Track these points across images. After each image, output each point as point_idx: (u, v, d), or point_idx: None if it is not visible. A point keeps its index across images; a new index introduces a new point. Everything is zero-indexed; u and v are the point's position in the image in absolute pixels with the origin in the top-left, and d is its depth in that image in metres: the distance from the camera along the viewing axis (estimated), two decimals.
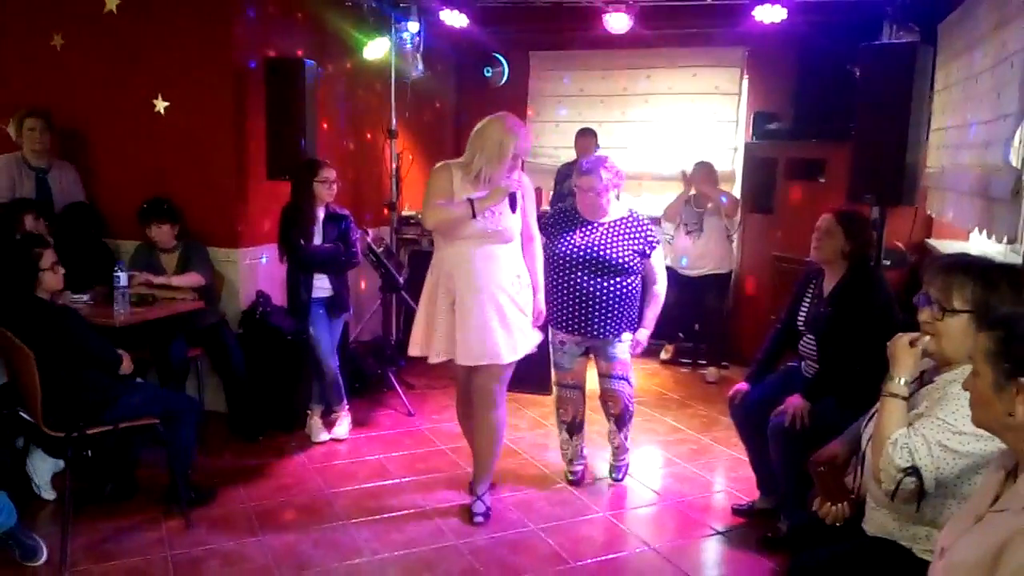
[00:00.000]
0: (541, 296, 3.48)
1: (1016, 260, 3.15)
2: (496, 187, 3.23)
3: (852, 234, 3.18)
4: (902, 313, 3.13)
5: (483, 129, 3.25)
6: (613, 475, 4.00)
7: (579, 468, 3.98)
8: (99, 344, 3.33)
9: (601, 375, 3.80)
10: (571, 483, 3.94)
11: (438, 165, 3.38)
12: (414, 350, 3.44)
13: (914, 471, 1.90)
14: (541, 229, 3.58)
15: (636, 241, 3.60)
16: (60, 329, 3.19)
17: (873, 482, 2.02)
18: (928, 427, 1.93)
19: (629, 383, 3.79)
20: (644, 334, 3.72)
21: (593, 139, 6.13)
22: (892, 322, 3.15)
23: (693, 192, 5.69)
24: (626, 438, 3.96)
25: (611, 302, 3.58)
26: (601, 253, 3.55)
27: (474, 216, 3.19)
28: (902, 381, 2.03)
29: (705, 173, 5.66)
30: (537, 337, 3.45)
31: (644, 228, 3.64)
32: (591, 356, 3.82)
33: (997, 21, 3.36)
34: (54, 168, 4.58)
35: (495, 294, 3.27)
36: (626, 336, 3.70)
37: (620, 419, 3.87)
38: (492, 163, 3.22)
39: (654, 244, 3.64)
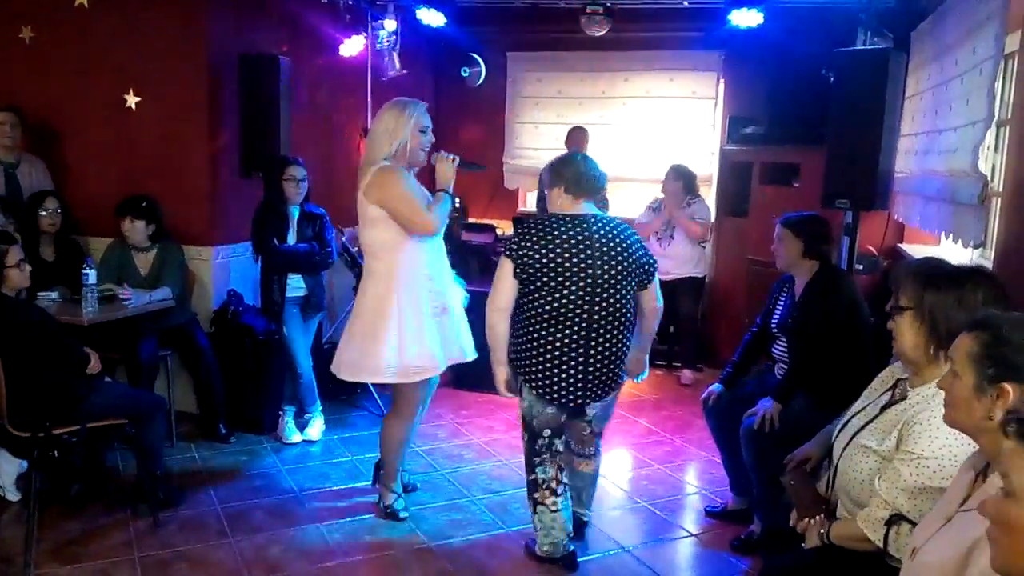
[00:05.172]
0: None
1: (986, 264, 3.20)
2: (440, 161, 3.21)
3: (802, 233, 3.26)
4: (873, 316, 3.17)
5: (386, 118, 3.20)
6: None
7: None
8: (66, 343, 3.27)
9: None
10: None
11: (386, 168, 3.16)
12: (392, 374, 3.21)
13: (900, 518, 1.91)
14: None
15: None
16: (26, 327, 3.13)
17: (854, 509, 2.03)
18: (905, 469, 1.92)
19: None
20: None
21: (582, 135, 6.16)
22: (859, 322, 3.19)
23: (662, 196, 5.71)
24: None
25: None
26: None
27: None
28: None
29: (676, 189, 5.60)
30: None
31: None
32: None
33: (967, 29, 3.41)
34: (23, 163, 4.50)
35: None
36: None
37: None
38: (413, 140, 3.18)
39: None
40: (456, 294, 3.41)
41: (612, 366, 2.96)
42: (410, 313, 3.18)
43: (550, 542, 3.10)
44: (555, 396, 2.92)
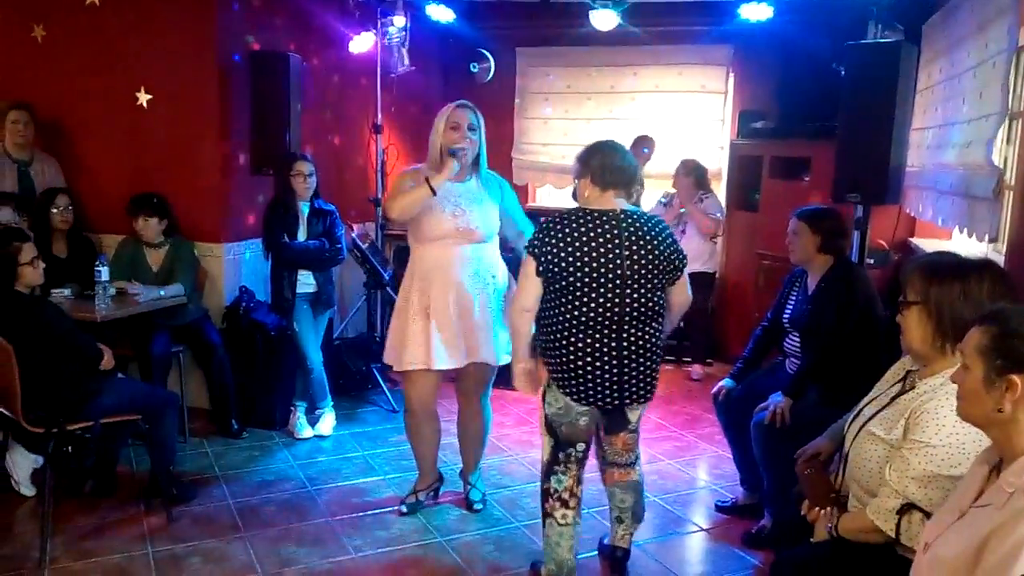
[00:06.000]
0: None
1: (998, 257, 3.18)
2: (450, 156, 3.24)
3: (817, 227, 3.24)
4: (885, 310, 3.16)
5: (435, 122, 3.35)
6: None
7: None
8: (80, 339, 3.29)
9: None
10: None
11: (403, 172, 3.40)
12: (388, 358, 3.44)
13: (911, 506, 1.91)
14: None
15: None
16: (40, 324, 3.15)
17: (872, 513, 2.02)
18: (914, 458, 1.92)
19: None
20: None
21: (642, 145, 5.87)
22: (873, 318, 3.18)
23: (673, 191, 5.69)
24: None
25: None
26: None
27: (433, 192, 3.14)
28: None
29: (687, 184, 5.57)
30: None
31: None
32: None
33: (980, 22, 3.39)
34: (36, 161, 4.53)
35: (473, 295, 3.26)
36: None
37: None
38: (445, 137, 3.27)
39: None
40: (457, 299, 3.25)
41: (649, 364, 2.77)
42: (407, 307, 3.32)
43: (555, 562, 2.85)
44: (592, 400, 2.75)
